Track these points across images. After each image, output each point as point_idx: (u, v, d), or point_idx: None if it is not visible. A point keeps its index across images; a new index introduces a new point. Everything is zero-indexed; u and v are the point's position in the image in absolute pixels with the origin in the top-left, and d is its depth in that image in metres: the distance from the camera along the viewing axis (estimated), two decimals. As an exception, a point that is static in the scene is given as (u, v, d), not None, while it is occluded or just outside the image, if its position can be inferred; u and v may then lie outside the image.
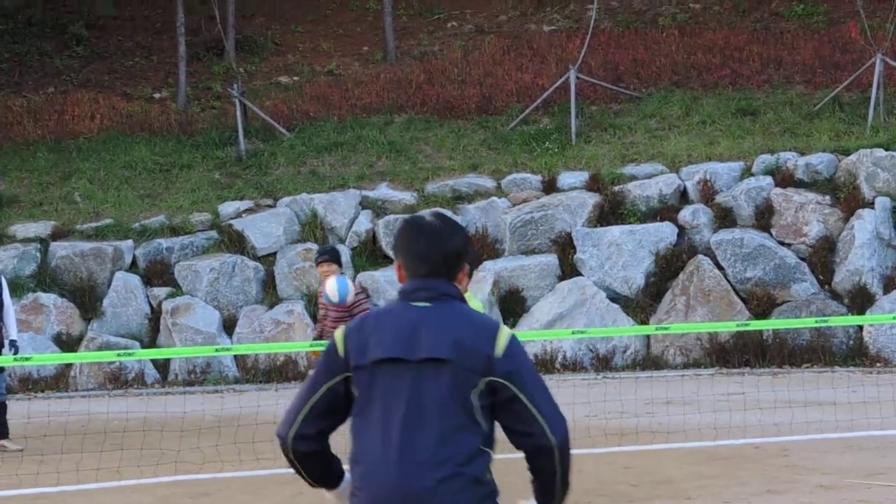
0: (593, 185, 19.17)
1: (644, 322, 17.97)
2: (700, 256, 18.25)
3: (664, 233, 18.52)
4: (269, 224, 19.26)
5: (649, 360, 17.96)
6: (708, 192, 18.78)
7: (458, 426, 3.93)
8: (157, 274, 18.85)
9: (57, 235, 19.27)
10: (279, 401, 14.60)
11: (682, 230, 18.59)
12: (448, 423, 3.93)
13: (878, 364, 17.31)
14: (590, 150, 20.20)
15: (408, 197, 19.57)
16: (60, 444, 12.16)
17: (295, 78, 24.41)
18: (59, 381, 17.95)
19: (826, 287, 18.10)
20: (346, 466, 4.19)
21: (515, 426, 3.98)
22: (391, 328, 4.03)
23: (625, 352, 18.03)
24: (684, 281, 18.20)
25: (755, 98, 21.22)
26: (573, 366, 17.90)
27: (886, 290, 17.83)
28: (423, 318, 4.02)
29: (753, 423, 12.60)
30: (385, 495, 3.92)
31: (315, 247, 18.89)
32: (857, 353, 17.53)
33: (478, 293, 17.50)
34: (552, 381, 14.84)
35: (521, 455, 4.07)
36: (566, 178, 19.37)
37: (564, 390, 14.04)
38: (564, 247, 18.65)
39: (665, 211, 18.74)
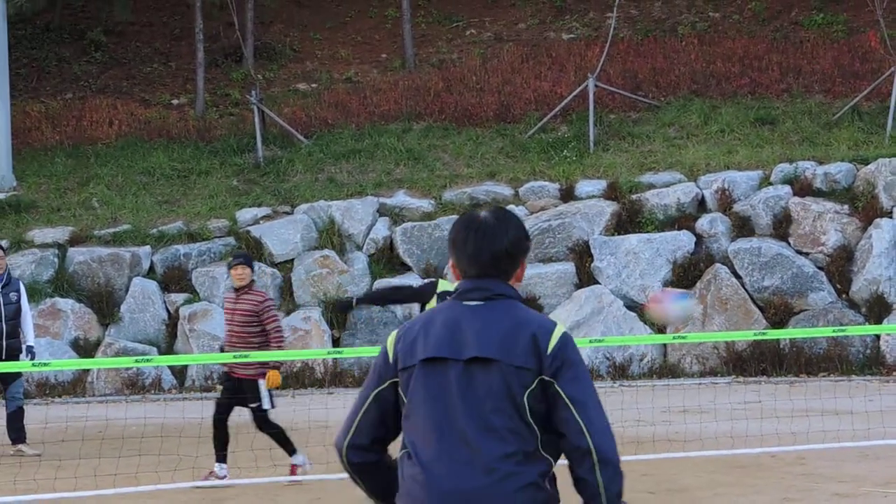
0: (611, 193, 19.16)
1: (661, 331, 17.95)
2: (717, 265, 18.22)
3: (682, 241, 18.50)
4: (286, 231, 19.29)
5: (666, 369, 17.94)
6: (726, 201, 18.76)
7: (512, 428, 3.78)
8: (175, 280, 18.89)
9: (75, 241, 19.32)
10: (296, 407, 14.63)
11: (699, 239, 18.56)
12: (501, 424, 3.77)
13: (895, 373, 17.26)
14: (608, 159, 20.20)
15: (425, 204, 19.58)
16: (78, 450, 12.19)
17: (313, 85, 24.45)
18: (76, 386, 17.99)
19: (843, 296, 18.05)
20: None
21: (558, 426, 3.82)
22: (438, 328, 3.89)
23: (642, 360, 18.01)
24: (702, 289, 18.17)
25: (774, 107, 21.19)
26: (590, 374, 17.86)
27: (904, 300, 17.78)
28: (471, 317, 3.88)
29: (770, 431, 12.57)
30: (437, 496, 3.79)
31: (333, 254, 18.93)
32: (874, 363, 17.49)
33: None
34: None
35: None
36: (584, 187, 19.36)
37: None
38: (582, 255, 18.64)
39: (683, 219, 18.72)
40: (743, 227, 18.57)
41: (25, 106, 23.66)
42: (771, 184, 18.89)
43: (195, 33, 23.61)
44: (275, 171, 21.00)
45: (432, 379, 3.86)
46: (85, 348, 18.34)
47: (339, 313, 18.33)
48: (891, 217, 18.10)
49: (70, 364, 16.71)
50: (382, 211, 19.55)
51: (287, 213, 19.68)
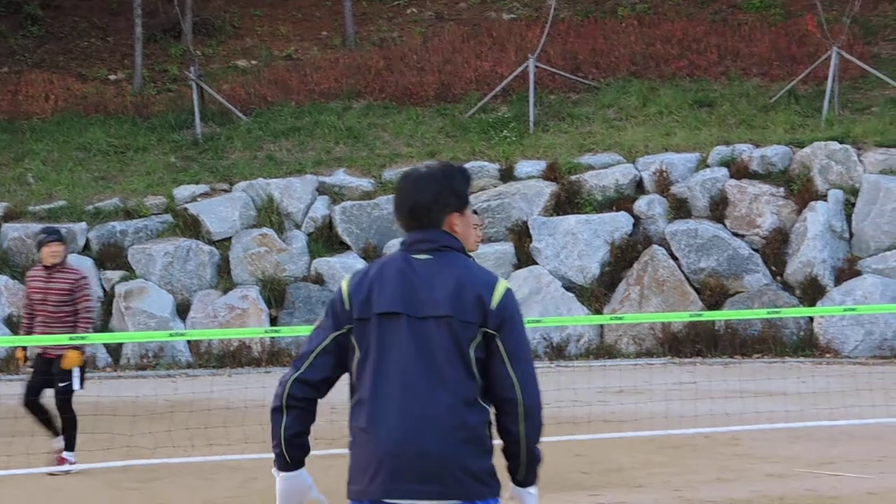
0: (550, 174, 19.21)
1: (598, 311, 18.04)
2: (655, 247, 18.33)
3: (620, 223, 18.58)
4: (224, 208, 19.17)
5: (603, 349, 18.03)
6: (664, 183, 18.86)
7: (459, 379, 3.94)
8: (111, 257, 18.74)
9: (9, 217, 19.11)
10: (232, 386, 14.59)
11: (637, 220, 18.66)
12: (451, 376, 3.93)
13: (827, 355, 17.45)
14: (547, 139, 20.24)
15: (365, 183, 19.54)
16: (11, 427, 12.07)
17: (253, 62, 24.29)
18: (8, 363, 17.80)
19: (778, 278, 18.22)
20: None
21: (490, 377, 3.98)
22: (392, 282, 4.03)
23: (578, 340, 18.09)
24: (639, 271, 18.28)
25: (712, 89, 21.31)
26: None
27: (837, 282, 17.97)
28: (423, 273, 4.02)
29: (704, 412, 12.68)
30: (390, 448, 3.91)
31: (271, 232, 18.85)
32: (807, 344, 17.68)
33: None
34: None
35: None
36: (523, 167, 19.40)
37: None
38: (520, 235, 18.68)
39: (621, 201, 18.81)
40: (680, 208, 18.69)
41: (-41, 79, 23.35)
42: (708, 166, 19.01)
43: (133, 8, 23.37)
44: (213, 148, 20.86)
45: (388, 332, 3.99)
46: (18, 325, 18.12)
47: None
48: (825, 200, 18.27)
49: (3, 342, 16.52)
50: (322, 189, 19.49)
51: (225, 191, 19.56)
